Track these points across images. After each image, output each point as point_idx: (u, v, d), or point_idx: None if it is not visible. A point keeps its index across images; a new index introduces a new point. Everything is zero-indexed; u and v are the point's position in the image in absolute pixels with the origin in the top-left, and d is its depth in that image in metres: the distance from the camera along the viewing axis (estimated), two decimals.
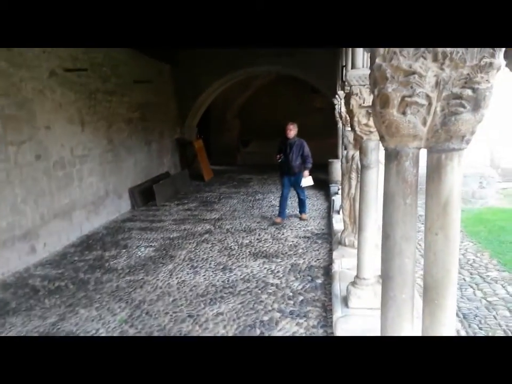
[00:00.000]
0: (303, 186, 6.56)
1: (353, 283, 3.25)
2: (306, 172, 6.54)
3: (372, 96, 3.08)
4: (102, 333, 3.36)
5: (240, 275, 4.50)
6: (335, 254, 4.42)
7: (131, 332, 3.36)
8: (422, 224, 1.47)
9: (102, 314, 3.69)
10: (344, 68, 5.26)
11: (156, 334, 3.34)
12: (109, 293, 4.16)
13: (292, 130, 6.53)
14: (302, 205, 6.78)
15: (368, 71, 2.82)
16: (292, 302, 3.81)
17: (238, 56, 10.76)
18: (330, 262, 4.60)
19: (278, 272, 4.54)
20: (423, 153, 1.46)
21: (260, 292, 4.05)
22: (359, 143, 3.55)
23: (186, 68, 11.01)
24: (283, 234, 5.96)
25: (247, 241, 5.67)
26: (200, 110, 11.83)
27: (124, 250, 5.47)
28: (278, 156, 6.51)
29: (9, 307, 3.93)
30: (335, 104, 7.19)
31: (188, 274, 4.59)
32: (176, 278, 4.48)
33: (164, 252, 5.39)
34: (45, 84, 5.70)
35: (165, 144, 10.32)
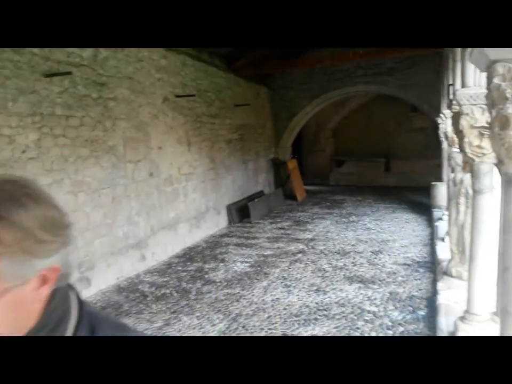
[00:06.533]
0: None
1: (462, 318, 2.98)
2: None
3: (484, 116, 2.86)
4: None
5: (335, 298, 4.41)
6: (440, 285, 4.10)
7: None
8: None
9: (202, 323, 3.91)
10: (451, 86, 4.97)
11: None
12: (209, 303, 4.40)
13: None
14: None
15: (481, 90, 2.64)
16: (391, 332, 3.61)
17: (333, 77, 10.81)
18: (434, 293, 4.27)
19: (375, 299, 4.35)
20: None
21: (355, 318, 3.93)
22: (469, 166, 3.31)
23: (281, 90, 11.37)
24: (380, 259, 5.70)
25: (341, 264, 5.56)
26: (294, 130, 12.03)
27: (222, 264, 5.75)
28: None
29: (123, 309, 4.38)
30: (439, 124, 6.76)
31: (281, 292, 4.65)
32: (271, 295, 4.56)
33: (259, 268, 5.53)
34: (159, 108, 6.35)
35: (260, 163, 10.69)
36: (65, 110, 4.66)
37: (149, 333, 3.77)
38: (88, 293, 4.70)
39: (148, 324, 3.96)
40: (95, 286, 4.86)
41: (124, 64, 5.56)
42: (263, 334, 3.67)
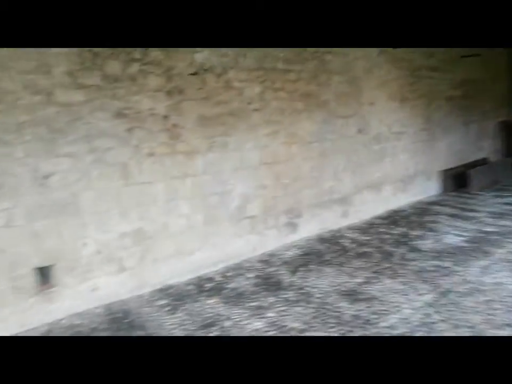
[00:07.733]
0: None
1: None
2: None
3: None
4: (406, 308, 3.33)
5: None
6: None
7: (436, 318, 3.15)
8: None
9: (406, 290, 3.65)
10: None
11: (464, 329, 3.00)
12: (414, 271, 4.06)
13: None
14: None
15: None
16: None
17: None
18: None
19: None
20: None
21: None
22: None
23: None
24: None
25: None
26: None
27: (430, 233, 5.20)
28: None
29: (324, 258, 4.51)
30: None
31: (506, 277, 3.88)
32: (492, 277, 3.86)
33: (476, 245, 4.76)
34: (373, 61, 6.00)
35: (486, 126, 9.04)
36: (285, 65, 4.88)
37: (349, 286, 3.77)
38: (294, 238, 5.04)
39: (348, 278, 3.95)
40: (300, 232, 5.15)
41: None
42: (478, 317, 3.15)
